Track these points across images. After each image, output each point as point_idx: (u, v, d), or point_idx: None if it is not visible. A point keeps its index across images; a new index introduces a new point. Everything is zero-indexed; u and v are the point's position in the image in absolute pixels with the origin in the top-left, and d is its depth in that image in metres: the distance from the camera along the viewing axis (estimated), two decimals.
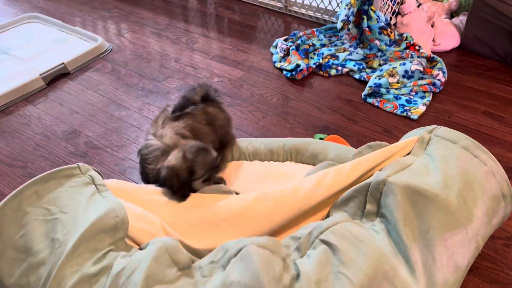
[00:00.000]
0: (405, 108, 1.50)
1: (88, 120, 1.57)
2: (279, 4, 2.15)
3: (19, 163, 1.41)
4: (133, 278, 0.75)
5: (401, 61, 1.63)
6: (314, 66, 1.72)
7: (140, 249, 0.86)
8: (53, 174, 0.92)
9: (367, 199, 0.91)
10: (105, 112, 1.60)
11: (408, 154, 1.02)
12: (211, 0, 2.32)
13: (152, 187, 1.03)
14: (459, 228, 0.84)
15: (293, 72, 1.69)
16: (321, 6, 2.02)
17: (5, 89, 1.67)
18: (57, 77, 1.78)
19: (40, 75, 1.74)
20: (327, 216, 0.97)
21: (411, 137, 1.05)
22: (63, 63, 1.80)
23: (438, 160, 0.94)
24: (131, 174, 1.34)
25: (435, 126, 1.04)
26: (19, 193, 0.89)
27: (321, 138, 1.36)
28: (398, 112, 1.49)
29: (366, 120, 1.48)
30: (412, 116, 1.46)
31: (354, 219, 0.89)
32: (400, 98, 1.54)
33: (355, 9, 1.75)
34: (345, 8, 1.73)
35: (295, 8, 2.11)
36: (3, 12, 2.33)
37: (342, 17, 1.76)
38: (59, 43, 1.99)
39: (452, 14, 1.92)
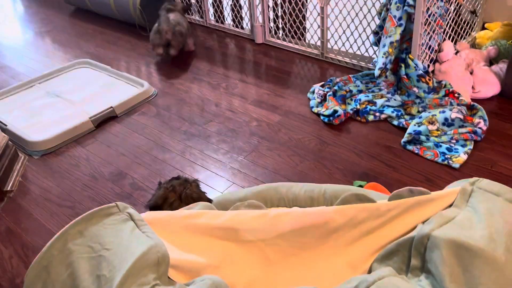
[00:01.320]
0: (446, 156, 1.49)
1: (134, 162, 1.64)
2: (315, 51, 2.22)
3: (68, 203, 1.48)
4: None
5: (441, 109, 1.63)
6: (351, 111, 1.75)
7: (186, 285, 0.88)
8: (94, 213, 0.97)
9: (411, 253, 0.90)
10: (150, 155, 1.67)
11: (450, 206, 1.01)
12: (250, 48, 2.42)
13: (186, 212, 1.06)
14: (510, 285, 0.81)
15: (331, 118, 1.72)
16: (358, 53, 2.07)
17: (57, 131, 1.78)
18: (106, 120, 1.89)
19: (90, 118, 1.85)
20: (369, 271, 0.96)
21: (452, 188, 1.04)
22: (111, 107, 1.90)
23: (482, 213, 0.92)
24: None
25: (477, 178, 1.03)
26: (64, 233, 0.93)
27: (360, 185, 1.36)
28: (439, 160, 1.48)
29: (406, 167, 1.48)
30: (453, 165, 1.45)
31: (400, 274, 0.88)
32: (440, 146, 1.53)
33: (393, 57, 1.78)
34: (382, 57, 1.77)
35: (332, 55, 2.17)
36: (56, 58, 2.52)
37: (379, 65, 1.79)
38: (108, 88, 2.12)
39: (491, 62, 1.92)
